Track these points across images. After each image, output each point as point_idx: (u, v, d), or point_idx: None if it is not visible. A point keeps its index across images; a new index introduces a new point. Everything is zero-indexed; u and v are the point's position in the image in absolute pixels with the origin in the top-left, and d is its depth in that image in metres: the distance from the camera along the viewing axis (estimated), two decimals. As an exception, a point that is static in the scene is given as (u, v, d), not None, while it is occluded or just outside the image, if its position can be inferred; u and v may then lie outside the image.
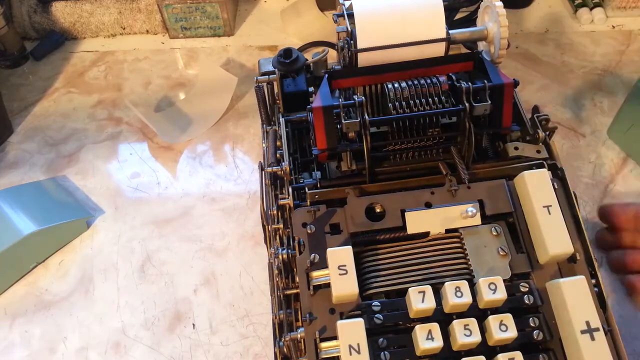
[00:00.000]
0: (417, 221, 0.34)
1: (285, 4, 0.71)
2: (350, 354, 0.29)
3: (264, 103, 0.44)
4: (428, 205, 0.34)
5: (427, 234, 0.34)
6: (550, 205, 0.33)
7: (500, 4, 0.38)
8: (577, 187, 0.49)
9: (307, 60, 0.44)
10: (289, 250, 0.34)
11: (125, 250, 0.49)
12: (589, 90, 0.58)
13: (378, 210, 0.35)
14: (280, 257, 0.34)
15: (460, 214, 0.34)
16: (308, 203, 0.35)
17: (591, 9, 0.65)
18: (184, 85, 0.63)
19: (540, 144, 0.38)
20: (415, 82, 0.37)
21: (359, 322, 0.30)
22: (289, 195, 0.35)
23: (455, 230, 0.34)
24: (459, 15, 0.61)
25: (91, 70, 0.67)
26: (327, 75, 0.37)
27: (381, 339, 0.31)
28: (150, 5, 0.67)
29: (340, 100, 0.35)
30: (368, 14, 0.38)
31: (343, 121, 0.34)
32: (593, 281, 0.32)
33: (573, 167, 0.51)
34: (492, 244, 0.34)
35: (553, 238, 0.32)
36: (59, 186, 0.54)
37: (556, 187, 0.34)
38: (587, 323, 0.30)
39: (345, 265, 0.31)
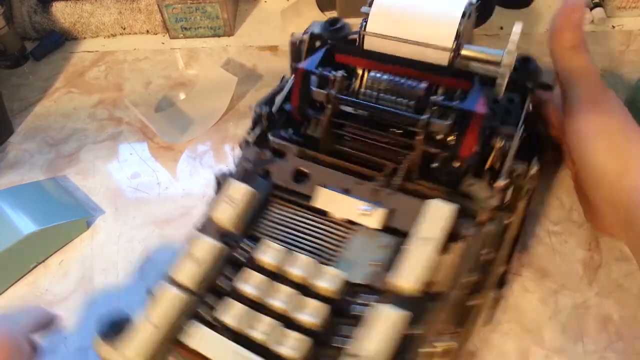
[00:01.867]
0: (326, 199, 0.36)
1: (286, 4, 0.71)
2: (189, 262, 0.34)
3: (293, 54, 0.45)
4: (345, 191, 0.36)
5: (326, 213, 0.36)
6: (429, 239, 0.31)
7: (518, 30, 0.38)
8: (577, 187, 0.49)
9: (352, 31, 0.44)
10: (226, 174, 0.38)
11: (125, 250, 0.49)
12: (589, 91, 0.58)
13: (304, 176, 0.37)
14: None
15: (359, 210, 0.34)
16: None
17: (591, 9, 0.65)
18: (184, 85, 0.63)
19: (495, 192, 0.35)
20: (397, 78, 0.36)
21: (212, 243, 0.34)
22: (254, 134, 0.40)
23: (353, 223, 0.35)
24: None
25: (91, 70, 0.67)
26: (328, 46, 0.38)
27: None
28: (151, 5, 0.67)
29: (319, 69, 0.37)
30: (387, 2, 0.38)
31: (312, 88, 0.37)
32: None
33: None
34: (373, 252, 0.34)
35: (402, 269, 0.31)
36: (59, 186, 0.54)
37: (465, 232, 0.33)
38: None
39: (236, 199, 0.35)
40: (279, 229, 0.37)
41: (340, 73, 0.36)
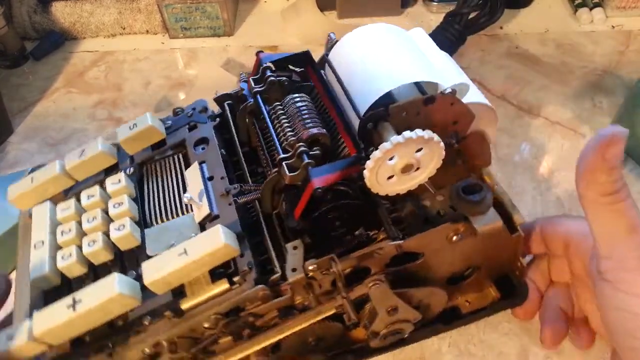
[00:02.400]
0: (191, 174, 0.36)
1: (286, 4, 0.71)
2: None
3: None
4: (208, 179, 0.35)
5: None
6: (186, 253, 0.30)
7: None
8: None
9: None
10: None
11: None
12: (589, 91, 0.58)
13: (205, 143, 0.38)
14: None
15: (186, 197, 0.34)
16: None
17: (591, 9, 0.65)
18: (184, 85, 0.63)
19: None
20: (305, 111, 0.34)
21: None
22: None
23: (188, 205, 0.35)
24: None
25: (91, 70, 0.67)
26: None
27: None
28: (150, 5, 0.67)
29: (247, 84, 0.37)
30: (353, 40, 0.35)
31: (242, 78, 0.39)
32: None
33: (573, 167, 0.50)
34: (177, 238, 0.34)
35: (151, 264, 0.30)
36: None
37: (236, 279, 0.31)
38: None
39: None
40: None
41: (272, 75, 0.35)
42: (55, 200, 0.37)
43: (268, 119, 0.34)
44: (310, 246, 0.32)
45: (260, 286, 0.30)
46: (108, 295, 0.28)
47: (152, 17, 0.68)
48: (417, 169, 0.31)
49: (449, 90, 0.31)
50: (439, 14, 0.69)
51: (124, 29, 0.70)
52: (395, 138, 0.28)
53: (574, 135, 0.54)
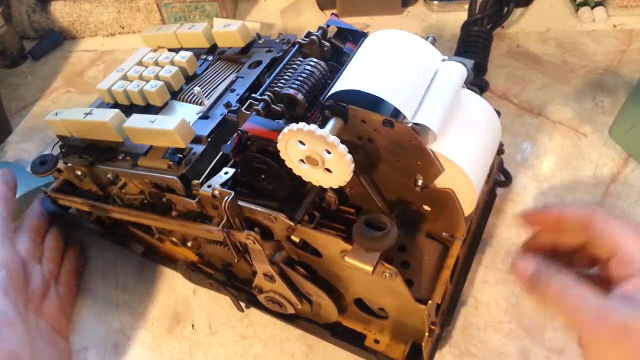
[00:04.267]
0: (224, 83, 0.44)
1: (285, 4, 0.70)
2: None
3: None
4: (231, 90, 0.42)
5: None
6: None
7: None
8: (578, 187, 0.49)
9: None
10: None
11: (124, 250, 0.48)
12: (590, 90, 0.58)
13: None
14: None
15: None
16: None
17: (592, 8, 0.65)
18: (184, 84, 0.63)
19: None
20: (300, 74, 0.37)
21: None
22: None
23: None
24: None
25: (90, 69, 0.66)
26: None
27: None
28: (150, 4, 0.67)
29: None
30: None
31: None
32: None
33: (574, 167, 0.50)
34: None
35: None
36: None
37: None
38: None
39: None
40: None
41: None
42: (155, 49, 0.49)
43: (280, 66, 0.39)
44: (239, 181, 0.36)
45: (175, 178, 0.36)
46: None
47: (151, 16, 0.68)
48: (329, 170, 0.31)
49: (410, 124, 0.30)
50: (440, 13, 0.69)
51: (123, 28, 0.70)
52: (298, 125, 0.30)
53: (575, 134, 0.53)
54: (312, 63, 0.38)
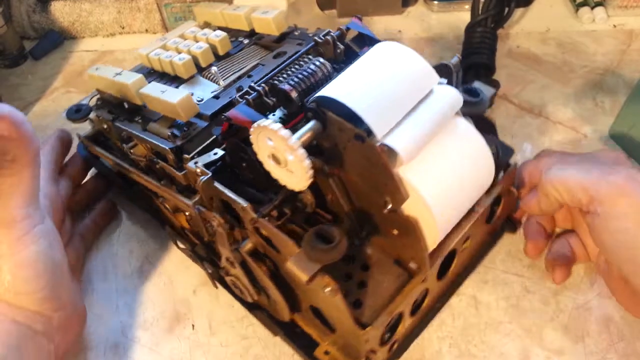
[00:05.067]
0: (246, 69, 0.46)
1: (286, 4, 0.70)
2: None
3: None
4: (248, 76, 0.44)
5: None
6: None
7: None
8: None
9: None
10: None
11: (124, 250, 0.48)
12: (590, 90, 0.58)
13: None
14: None
15: None
16: None
17: (592, 8, 0.65)
18: (184, 84, 0.63)
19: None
20: (302, 71, 0.38)
21: None
22: None
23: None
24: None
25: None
26: None
27: None
28: (150, 4, 0.67)
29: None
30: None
31: None
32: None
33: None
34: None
35: None
36: None
37: None
38: None
39: None
40: None
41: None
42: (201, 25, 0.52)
43: (289, 60, 0.41)
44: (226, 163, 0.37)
45: (167, 149, 0.39)
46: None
47: (152, 16, 0.68)
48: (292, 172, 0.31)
49: (379, 143, 0.30)
50: (440, 13, 0.69)
51: (123, 28, 0.70)
52: (265, 122, 0.30)
53: (576, 135, 0.53)
54: (317, 63, 0.38)
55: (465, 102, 0.34)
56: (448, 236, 0.35)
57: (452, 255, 0.37)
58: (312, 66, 0.37)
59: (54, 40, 0.69)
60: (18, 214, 0.34)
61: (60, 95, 0.64)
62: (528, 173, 0.42)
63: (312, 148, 0.32)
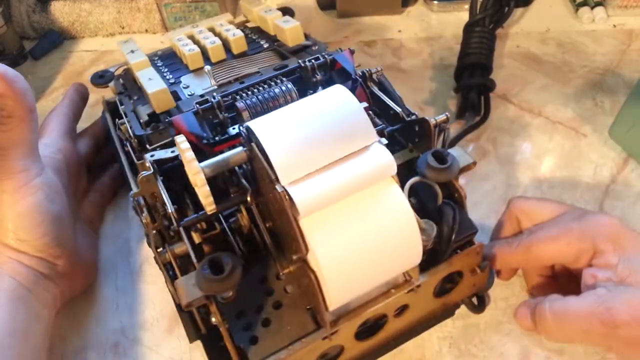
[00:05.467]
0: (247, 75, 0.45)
1: (286, 4, 0.70)
2: None
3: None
4: (241, 82, 0.43)
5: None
6: None
7: None
8: (577, 187, 0.49)
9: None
10: None
11: (124, 250, 0.48)
12: (590, 90, 0.58)
13: None
14: None
15: None
16: None
17: (592, 8, 0.65)
18: (184, 84, 0.63)
19: None
20: (265, 91, 0.40)
21: None
22: None
23: None
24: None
25: (90, 69, 0.66)
26: None
27: None
28: (150, 4, 0.67)
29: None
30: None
31: None
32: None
33: (574, 167, 0.50)
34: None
35: None
36: None
37: None
38: None
39: None
40: None
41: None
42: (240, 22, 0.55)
43: (263, 77, 0.42)
44: None
45: (132, 135, 0.40)
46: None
47: (151, 16, 0.68)
48: None
49: (282, 189, 0.29)
50: (440, 13, 0.69)
51: (122, 28, 0.70)
52: (179, 138, 0.32)
53: (576, 134, 0.53)
54: (283, 88, 0.38)
55: (430, 167, 0.32)
56: (368, 302, 0.33)
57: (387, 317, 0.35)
58: (276, 90, 0.38)
59: (54, 40, 0.69)
60: (17, 166, 0.37)
61: (60, 95, 0.63)
62: (503, 257, 0.39)
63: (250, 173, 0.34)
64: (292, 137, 0.30)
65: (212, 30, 0.50)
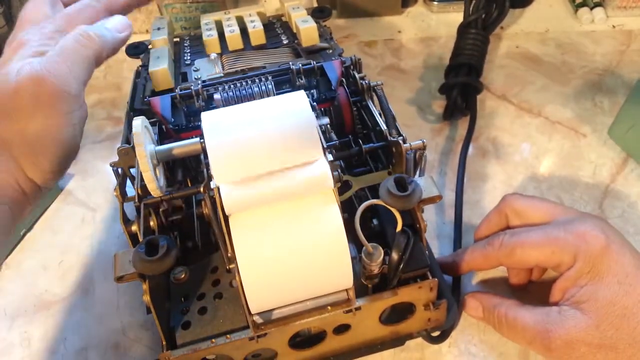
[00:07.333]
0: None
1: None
2: None
3: None
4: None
5: None
6: None
7: None
8: (577, 187, 0.49)
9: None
10: None
11: (125, 249, 0.48)
12: (590, 90, 0.58)
13: None
14: None
15: None
16: None
17: (592, 9, 0.65)
18: (184, 85, 0.63)
19: None
20: (243, 87, 0.41)
21: None
22: None
23: None
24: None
25: (91, 70, 0.66)
26: None
27: None
28: (150, 5, 0.67)
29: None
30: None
31: None
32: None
33: (574, 167, 0.51)
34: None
35: None
36: None
37: None
38: None
39: None
40: None
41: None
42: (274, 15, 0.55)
43: (252, 73, 0.43)
44: None
45: (128, 104, 0.43)
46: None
47: (152, 17, 0.68)
48: None
49: (215, 186, 0.30)
50: (440, 13, 0.69)
51: (123, 28, 0.70)
52: (137, 119, 0.33)
53: (575, 135, 0.54)
54: (262, 87, 0.39)
55: (389, 192, 0.31)
56: (301, 314, 0.32)
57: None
58: (255, 88, 0.39)
59: (54, 40, 0.69)
60: (75, 87, 0.35)
61: (61, 96, 0.64)
62: (485, 258, 0.39)
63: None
64: (234, 137, 0.31)
65: (240, 19, 0.51)
